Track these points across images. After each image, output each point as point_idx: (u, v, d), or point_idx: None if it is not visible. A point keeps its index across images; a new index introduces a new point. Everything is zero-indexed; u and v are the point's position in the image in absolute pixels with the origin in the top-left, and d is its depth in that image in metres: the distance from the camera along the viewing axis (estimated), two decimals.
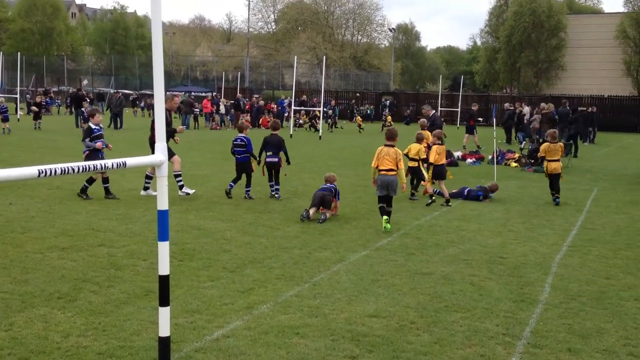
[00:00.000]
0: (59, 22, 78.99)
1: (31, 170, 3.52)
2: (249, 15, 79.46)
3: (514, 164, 19.21)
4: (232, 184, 12.00)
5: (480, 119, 38.24)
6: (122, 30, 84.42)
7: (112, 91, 49.25)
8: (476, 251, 8.27)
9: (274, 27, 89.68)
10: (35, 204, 10.47)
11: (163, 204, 4.54)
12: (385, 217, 9.45)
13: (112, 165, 4.09)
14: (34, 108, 30.33)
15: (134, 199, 11.33)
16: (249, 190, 11.92)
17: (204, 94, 52.72)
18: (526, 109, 30.06)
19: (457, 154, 20.68)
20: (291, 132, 29.85)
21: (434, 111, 19.07)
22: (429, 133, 13.71)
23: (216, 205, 11.13)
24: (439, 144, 12.37)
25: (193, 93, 52.02)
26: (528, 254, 8.25)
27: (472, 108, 27.95)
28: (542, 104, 26.00)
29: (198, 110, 35.56)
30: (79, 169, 3.84)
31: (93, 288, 6.26)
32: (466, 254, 8.09)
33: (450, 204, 11.87)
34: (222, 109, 35.75)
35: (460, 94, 45.40)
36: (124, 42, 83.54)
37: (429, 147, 12.64)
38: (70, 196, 11.35)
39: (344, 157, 20.50)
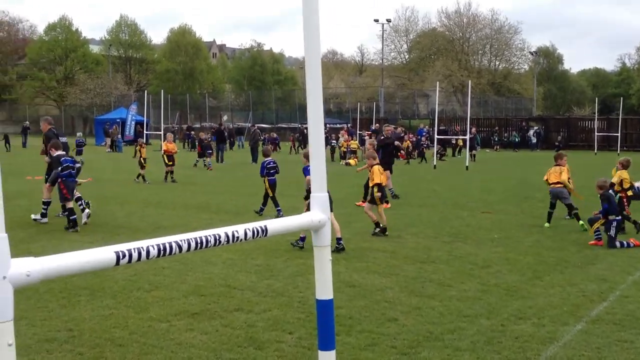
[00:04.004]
0: (200, 62, 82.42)
1: (107, 254, 1.96)
2: (382, 46, 78.45)
3: None
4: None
5: None
6: (259, 67, 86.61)
7: (249, 125, 49.75)
8: None
9: (406, 57, 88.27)
10: None
11: (325, 291, 2.85)
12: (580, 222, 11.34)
13: (252, 233, 2.46)
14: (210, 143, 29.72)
15: (274, 245, 9.82)
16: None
17: (338, 126, 51.98)
18: None
19: (638, 184, 17.67)
20: (434, 163, 27.83)
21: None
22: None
23: (368, 252, 9.40)
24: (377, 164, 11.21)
25: (329, 125, 51.37)
26: None
27: None
28: None
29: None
30: (197, 243, 2.22)
31: None
32: None
33: (382, 232, 10.67)
34: (340, 141, 34.17)
35: (620, 117, 41.21)
36: (261, 78, 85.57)
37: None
38: None
39: (501, 191, 18.17)
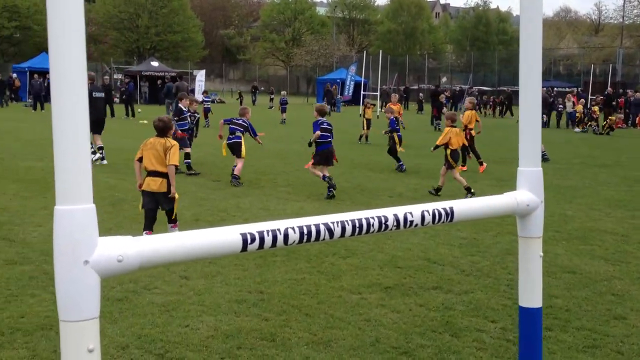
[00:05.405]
0: (422, 22, 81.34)
1: (230, 237, 1.48)
2: (624, 2, 70.66)
3: None
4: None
5: None
6: (483, 27, 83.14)
7: (467, 87, 48.00)
8: None
9: None
10: None
11: (532, 296, 2.18)
12: None
13: (432, 217, 1.85)
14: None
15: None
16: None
17: (567, 89, 47.98)
18: None
19: None
20: None
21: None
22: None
23: (594, 233, 8.19)
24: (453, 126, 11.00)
25: (556, 88, 47.62)
26: None
27: None
28: None
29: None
30: (355, 227, 1.68)
31: None
32: None
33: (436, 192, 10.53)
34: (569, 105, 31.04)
35: None
36: (485, 39, 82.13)
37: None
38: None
39: None
